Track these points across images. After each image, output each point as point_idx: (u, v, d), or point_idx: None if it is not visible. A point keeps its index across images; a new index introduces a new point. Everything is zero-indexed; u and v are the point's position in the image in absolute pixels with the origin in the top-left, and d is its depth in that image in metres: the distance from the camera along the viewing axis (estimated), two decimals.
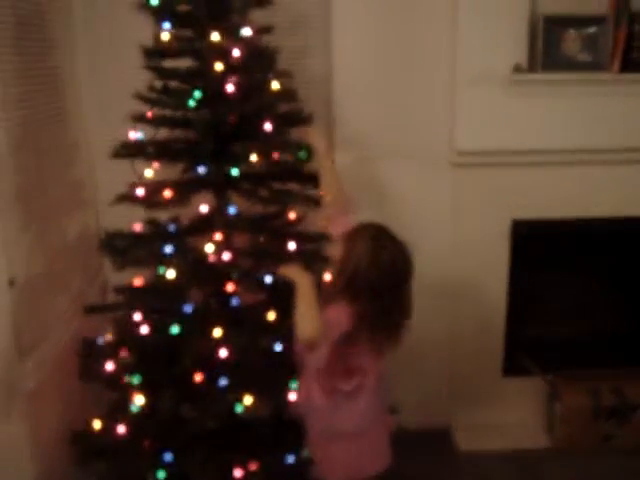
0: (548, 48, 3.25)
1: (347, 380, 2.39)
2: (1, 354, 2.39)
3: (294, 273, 2.36)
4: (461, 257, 3.56)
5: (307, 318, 2.24)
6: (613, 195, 3.52)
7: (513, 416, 3.80)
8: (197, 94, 2.55)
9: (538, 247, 3.61)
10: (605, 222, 3.56)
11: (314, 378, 2.42)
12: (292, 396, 2.60)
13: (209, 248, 2.58)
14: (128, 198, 2.65)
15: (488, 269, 3.60)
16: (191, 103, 2.56)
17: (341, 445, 2.45)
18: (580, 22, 3.24)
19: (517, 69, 3.26)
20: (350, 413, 2.42)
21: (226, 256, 2.58)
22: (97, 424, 2.76)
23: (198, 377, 2.60)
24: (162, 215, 2.76)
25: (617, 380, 3.68)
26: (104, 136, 3.12)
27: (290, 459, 2.68)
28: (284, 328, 2.53)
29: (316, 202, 2.77)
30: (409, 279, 2.34)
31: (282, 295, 2.56)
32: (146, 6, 2.59)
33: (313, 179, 2.78)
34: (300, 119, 2.75)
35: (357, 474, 2.52)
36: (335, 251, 2.42)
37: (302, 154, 2.75)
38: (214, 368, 2.60)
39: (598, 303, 3.84)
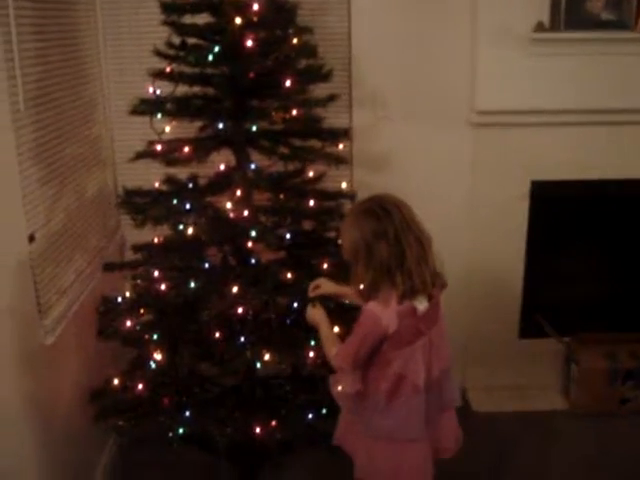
0: (571, 6, 3.19)
1: (383, 383, 2.33)
2: (21, 309, 2.40)
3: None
4: (479, 218, 3.55)
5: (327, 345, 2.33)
6: (635, 157, 3.48)
7: (529, 378, 3.79)
8: (216, 50, 2.51)
9: (557, 209, 3.59)
10: (626, 184, 3.52)
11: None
12: (311, 353, 2.59)
13: (228, 205, 2.57)
14: (147, 154, 2.64)
15: (506, 230, 3.57)
16: (210, 59, 2.52)
17: (381, 448, 2.40)
18: None
19: (539, 27, 3.20)
20: (386, 419, 2.36)
21: (245, 213, 2.57)
22: (116, 381, 2.78)
23: (217, 334, 2.60)
24: (181, 173, 2.75)
25: (634, 343, 3.67)
26: (122, 93, 3.12)
27: (309, 416, 2.70)
28: (302, 285, 2.53)
29: (336, 159, 2.75)
30: (408, 217, 2.26)
31: (301, 252, 2.55)
32: None
33: (334, 136, 2.76)
34: (320, 75, 2.71)
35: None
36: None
37: None
38: (233, 325, 2.61)
39: (617, 266, 3.82)
